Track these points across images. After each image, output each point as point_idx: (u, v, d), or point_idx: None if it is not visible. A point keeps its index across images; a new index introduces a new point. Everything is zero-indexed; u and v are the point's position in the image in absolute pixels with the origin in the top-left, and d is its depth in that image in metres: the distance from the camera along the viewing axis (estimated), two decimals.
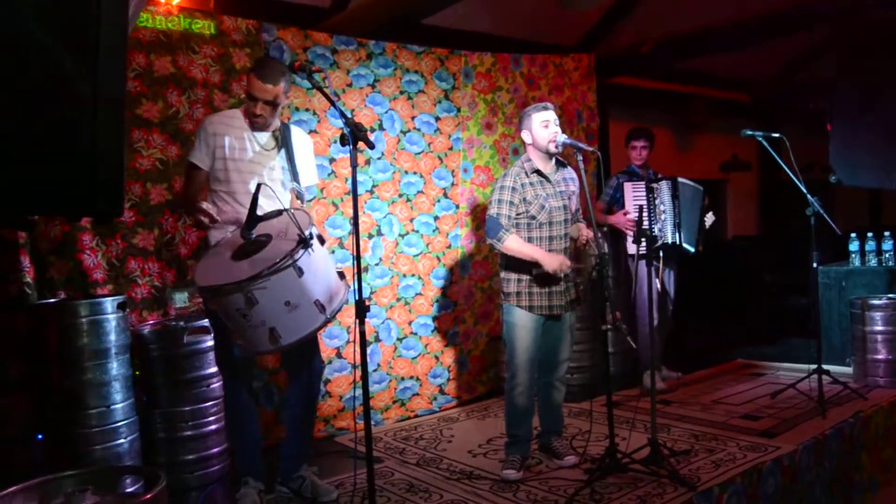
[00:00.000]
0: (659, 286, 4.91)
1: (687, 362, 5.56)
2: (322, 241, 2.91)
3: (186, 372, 3.61)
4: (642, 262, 4.89)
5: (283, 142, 3.29)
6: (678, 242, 4.92)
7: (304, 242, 2.71)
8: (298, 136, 3.40)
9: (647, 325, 4.81)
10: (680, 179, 4.99)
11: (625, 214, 4.97)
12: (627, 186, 5.04)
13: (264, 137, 3.27)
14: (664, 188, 4.95)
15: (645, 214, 4.80)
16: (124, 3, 1.87)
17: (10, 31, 1.63)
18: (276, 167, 3.28)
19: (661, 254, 4.89)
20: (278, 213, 2.99)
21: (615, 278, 5.68)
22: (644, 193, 4.93)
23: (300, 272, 2.68)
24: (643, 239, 3.60)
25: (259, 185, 2.91)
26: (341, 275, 2.97)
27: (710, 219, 5.19)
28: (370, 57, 4.81)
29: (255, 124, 3.21)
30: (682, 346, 5.89)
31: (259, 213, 2.91)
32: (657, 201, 4.91)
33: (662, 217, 4.91)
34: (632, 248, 4.90)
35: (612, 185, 5.25)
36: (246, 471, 3.30)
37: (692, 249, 5.01)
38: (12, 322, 3.43)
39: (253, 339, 2.78)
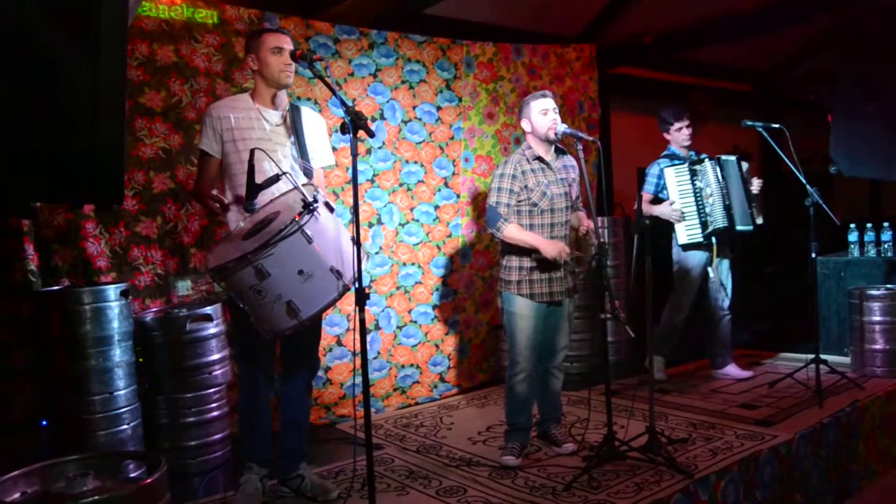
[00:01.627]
0: (714, 276, 4.83)
1: (685, 351, 5.58)
2: (330, 208, 2.85)
3: (189, 359, 3.65)
4: (687, 254, 4.81)
5: (292, 122, 3.26)
6: (731, 226, 4.72)
7: (307, 207, 2.65)
8: (309, 116, 3.37)
9: (680, 317, 4.85)
10: (722, 157, 4.82)
11: (670, 204, 4.77)
12: (669, 172, 4.80)
13: (275, 116, 3.23)
14: (708, 169, 4.75)
15: (691, 199, 4.71)
16: None
17: (13, 21, 1.65)
18: (288, 145, 3.24)
19: (713, 241, 4.74)
20: (277, 177, 2.91)
21: (615, 267, 5.71)
22: (688, 177, 4.75)
23: (309, 239, 2.62)
24: (642, 228, 3.58)
25: (252, 151, 2.84)
26: (355, 240, 2.87)
27: (756, 185, 4.91)
28: (372, 46, 4.82)
29: (288, 77, 3.18)
30: (682, 335, 5.92)
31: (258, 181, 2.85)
32: (702, 184, 4.71)
33: (710, 201, 4.71)
34: (682, 237, 4.78)
35: (654, 173, 4.94)
36: (251, 457, 3.27)
37: (750, 228, 4.81)
38: (17, 309, 3.47)
39: (272, 318, 2.71)
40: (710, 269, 4.85)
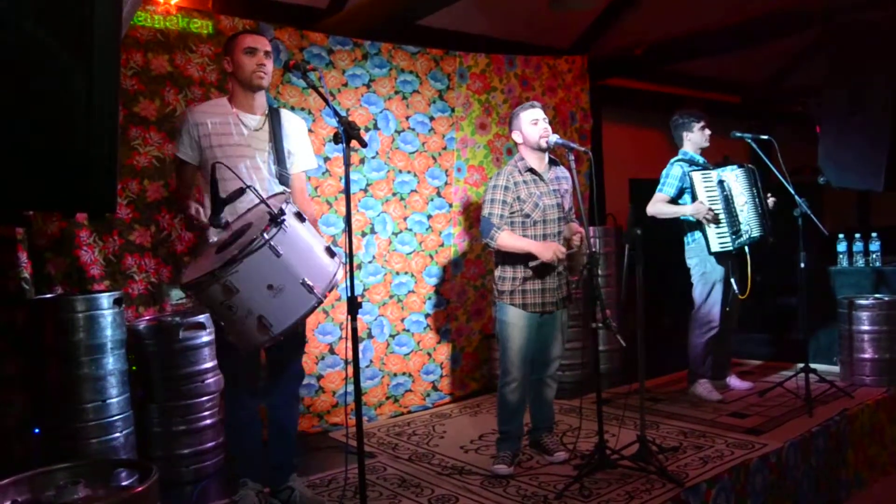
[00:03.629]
0: (736, 288, 4.71)
1: (676, 360, 5.61)
2: (301, 218, 2.76)
3: (182, 367, 3.65)
4: (713, 264, 4.66)
5: (271, 126, 3.21)
6: (766, 236, 4.64)
7: (273, 220, 2.56)
8: (289, 119, 3.31)
9: (710, 330, 4.74)
10: (748, 165, 4.75)
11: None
12: (697, 177, 4.61)
13: (253, 120, 3.17)
14: (742, 177, 4.67)
15: (721, 207, 4.57)
16: (118, 2, 1.90)
17: (8, 29, 1.66)
18: (268, 150, 3.18)
19: (747, 251, 4.62)
20: (241, 191, 2.82)
21: (607, 277, 5.74)
22: (714, 183, 4.61)
23: (277, 253, 2.54)
24: (633, 238, 3.60)
25: (214, 165, 2.79)
26: (330, 251, 2.79)
27: (771, 201, 4.84)
28: (366, 57, 4.85)
29: (261, 79, 3.11)
30: (672, 345, 5.94)
31: (223, 195, 2.79)
32: (734, 191, 4.60)
33: (745, 209, 4.60)
34: (714, 244, 4.58)
35: (675, 175, 4.70)
36: (245, 473, 3.24)
37: (772, 240, 4.73)
38: (10, 317, 3.48)
39: (244, 333, 2.65)
40: (733, 282, 4.71)
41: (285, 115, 3.32)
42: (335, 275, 2.73)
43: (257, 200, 2.87)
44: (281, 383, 3.27)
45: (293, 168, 3.28)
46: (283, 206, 2.63)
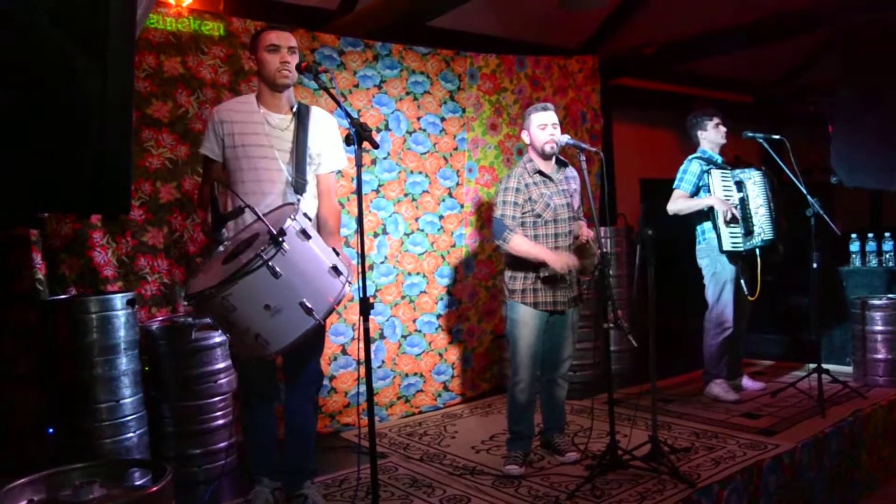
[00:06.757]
0: (746, 290, 4.70)
1: (688, 361, 5.60)
2: (307, 235, 2.66)
3: (194, 368, 3.67)
4: (723, 264, 4.63)
5: (297, 126, 3.10)
6: (777, 240, 4.61)
7: (274, 241, 2.49)
8: (317, 118, 3.18)
9: (724, 331, 4.70)
10: (765, 170, 4.73)
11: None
12: (715, 175, 4.62)
13: (279, 119, 3.09)
14: (758, 179, 4.65)
15: (737, 207, 4.57)
16: (133, 3, 1.91)
17: (24, 30, 1.67)
18: (289, 152, 3.08)
19: (758, 253, 4.59)
20: (241, 209, 2.78)
21: (618, 277, 5.73)
22: (732, 182, 4.62)
23: (275, 273, 2.48)
24: (644, 238, 3.59)
25: (214, 184, 2.75)
26: (336, 270, 2.69)
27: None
28: (377, 58, 4.87)
29: (285, 78, 3.02)
30: (684, 345, 5.93)
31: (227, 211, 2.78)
32: (750, 193, 4.58)
33: (760, 212, 4.59)
34: (726, 244, 4.56)
35: (693, 172, 4.68)
36: (261, 471, 3.22)
37: (782, 248, 4.72)
38: (24, 318, 3.50)
39: (245, 346, 2.64)
40: (743, 283, 4.70)
41: (315, 113, 3.20)
42: (339, 295, 2.66)
43: (271, 208, 2.88)
44: (296, 385, 3.20)
45: (321, 169, 3.18)
46: (285, 226, 2.54)
